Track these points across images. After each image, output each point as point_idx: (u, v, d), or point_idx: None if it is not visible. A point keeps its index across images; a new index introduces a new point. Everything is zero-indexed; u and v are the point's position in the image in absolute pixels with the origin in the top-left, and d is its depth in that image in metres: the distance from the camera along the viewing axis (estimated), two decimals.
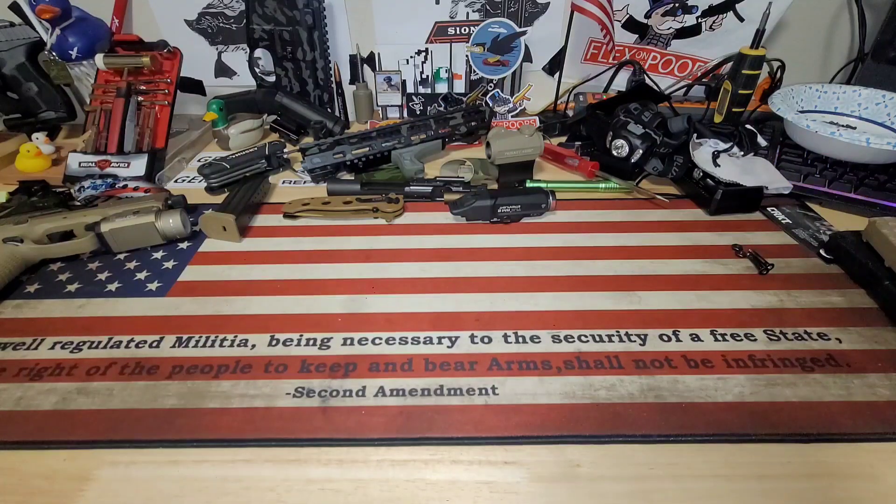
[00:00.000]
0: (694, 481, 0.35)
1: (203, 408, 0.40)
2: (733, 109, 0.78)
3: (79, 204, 0.66)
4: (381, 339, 0.47)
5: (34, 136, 0.78)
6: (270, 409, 0.40)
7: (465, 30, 0.91)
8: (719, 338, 0.46)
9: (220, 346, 0.46)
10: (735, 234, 0.61)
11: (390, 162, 0.76)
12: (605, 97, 0.87)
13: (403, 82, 0.92)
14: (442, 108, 0.93)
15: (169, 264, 0.58)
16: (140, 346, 0.47)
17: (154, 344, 0.47)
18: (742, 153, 0.68)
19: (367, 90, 0.94)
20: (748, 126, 0.74)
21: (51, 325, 0.49)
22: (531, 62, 0.97)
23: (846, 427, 0.38)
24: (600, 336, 0.46)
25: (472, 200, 0.62)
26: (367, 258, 0.58)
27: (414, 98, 0.93)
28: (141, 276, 0.56)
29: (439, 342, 0.46)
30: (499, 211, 0.63)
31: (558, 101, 0.92)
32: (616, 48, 0.89)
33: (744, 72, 0.75)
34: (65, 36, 0.75)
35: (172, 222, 0.59)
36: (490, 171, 0.72)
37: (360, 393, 0.42)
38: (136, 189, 0.68)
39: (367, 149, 0.74)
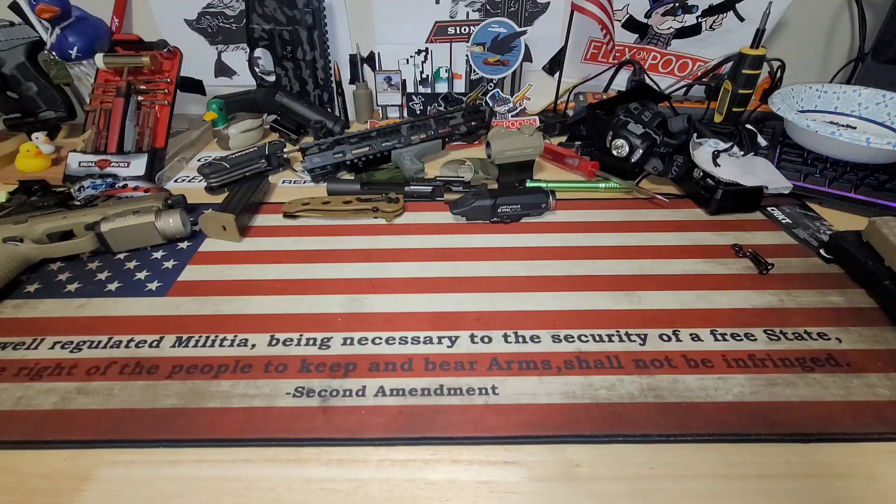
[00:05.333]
0: (694, 481, 0.35)
1: (203, 407, 0.40)
2: (733, 109, 0.78)
3: (79, 203, 0.66)
4: (381, 338, 0.47)
5: (34, 135, 0.78)
6: (270, 409, 0.40)
7: (465, 29, 0.91)
8: (719, 338, 0.46)
9: (220, 345, 0.46)
10: (735, 233, 0.61)
11: (390, 162, 0.76)
12: (605, 97, 0.87)
13: (403, 82, 0.92)
14: (442, 108, 0.93)
15: (169, 264, 0.58)
16: (140, 345, 0.47)
17: (154, 344, 0.47)
18: (742, 153, 0.68)
19: (367, 90, 0.94)
20: (748, 126, 0.74)
21: (51, 325, 0.49)
22: (531, 62, 0.97)
23: (846, 427, 0.38)
24: (600, 336, 0.46)
25: (472, 200, 0.62)
26: (367, 258, 0.58)
27: (414, 98, 0.93)
28: (141, 275, 0.56)
29: (439, 342, 0.46)
30: (499, 211, 0.63)
31: (558, 101, 0.92)
32: (616, 48, 0.89)
33: (744, 71, 0.75)
34: (64, 35, 0.75)
35: (172, 222, 0.59)
36: (490, 170, 0.72)
37: (360, 393, 0.41)
38: (135, 189, 0.68)
39: (367, 148, 0.74)
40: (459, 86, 0.94)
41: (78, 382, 0.43)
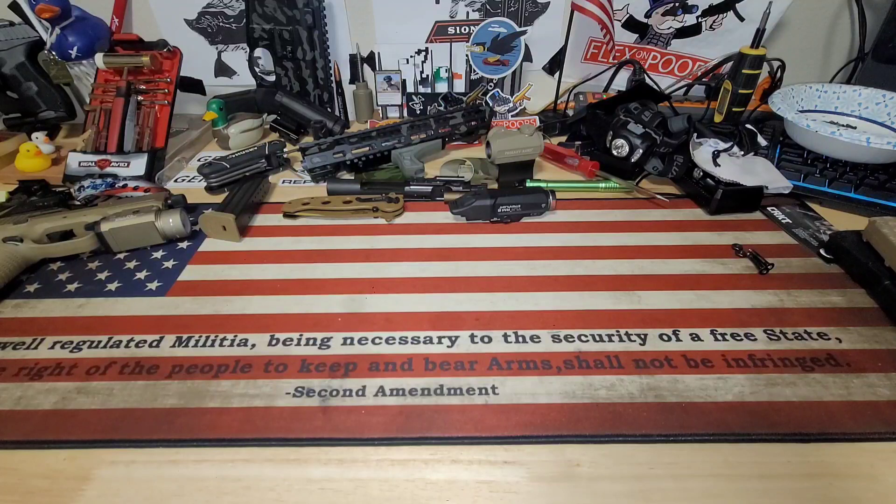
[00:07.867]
0: (694, 481, 0.35)
1: (203, 407, 0.40)
2: (733, 109, 0.78)
3: (78, 203, 0.66)
4: (380, 338, 0.47)
5: (34, 135, 0.78)
6: (270, 409, 0.40)
7: (465, 29, 0.91)
8: (719, 337, 0.46)
9: (220, 345, 0.46)
10: (735, 233, 0.61)
11: (390, 161, 0.76)
12: (605, 97, 0.87)
13: (403, 82, 0.92)
14: (442, 108, 0.93)
15: (169, 264, 0.58)
16: (140, 345, 0.47)
17: (154, 343, 0.47)
18: (742, 153, 0.68)
19: (367, 90, 0.94)
20: (748, 126, 0.74)
21: (51, 325, 0.49)
22: (531, 62, 0.97)
23: (846, 427, 0.38)
24: (600, 336, 0.46)
25: (472, 200, 0.62)
26: (367, 258, 0.58)
27: (414, 98, 0.93)
28: (141, 275, 0.56)
29: (439, 342, 0.46)
30: (499, 210, 0.63)
31: (558, 101, 0.92)
32: (616, 48, 0.89)
33: (744, 71, 0.75)
34: (64, 35, 0.75)
35: (172, 222, 0.59)
36: (490, 170, 0.72)
37: (360, 392, 0.42)
38: (135, 188, 0.68)
39: (367, 148, 0.74)
40: (459, 86, 0.94)
41: (78, 382, 0.43)
